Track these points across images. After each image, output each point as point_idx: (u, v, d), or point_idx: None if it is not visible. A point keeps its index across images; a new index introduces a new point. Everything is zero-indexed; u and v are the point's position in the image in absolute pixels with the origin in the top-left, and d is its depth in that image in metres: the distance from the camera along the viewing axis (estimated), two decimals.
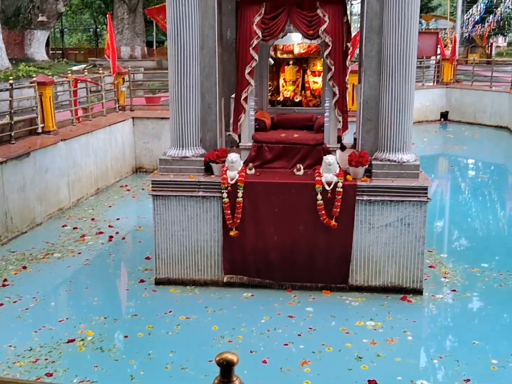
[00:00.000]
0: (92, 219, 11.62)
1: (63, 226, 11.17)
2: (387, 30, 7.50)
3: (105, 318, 7.39)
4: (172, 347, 6.64)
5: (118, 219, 11.51)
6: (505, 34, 60.07)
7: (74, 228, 11.06)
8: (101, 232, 10.76)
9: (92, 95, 15.01)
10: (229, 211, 7.73)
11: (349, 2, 8.57)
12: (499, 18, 40.13)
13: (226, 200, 7.71)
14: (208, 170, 8.07)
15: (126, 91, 16.08)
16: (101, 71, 15.46)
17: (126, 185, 14.39)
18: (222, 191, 7.72)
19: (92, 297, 8.08)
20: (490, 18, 39.51)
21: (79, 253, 9.77)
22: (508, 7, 40.92)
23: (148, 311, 7.62)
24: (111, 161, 14.30)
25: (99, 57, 34.18)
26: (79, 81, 14.25)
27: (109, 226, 11.12)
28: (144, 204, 12.01)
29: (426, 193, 7.65)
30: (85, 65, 28.33)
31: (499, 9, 39.23)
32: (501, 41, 63.80)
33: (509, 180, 16.97)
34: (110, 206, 12.65)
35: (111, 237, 10.50)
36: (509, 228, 11.96)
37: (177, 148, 8.08)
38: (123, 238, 10.60)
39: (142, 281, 8.49)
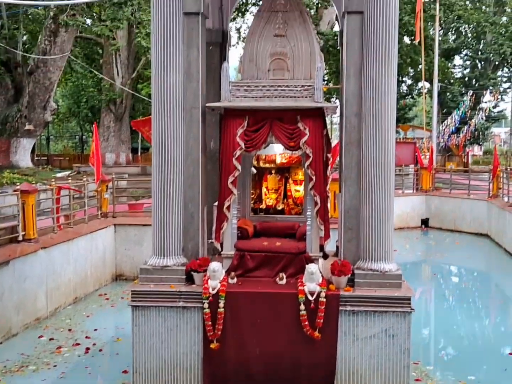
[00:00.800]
0: (69, 330, 11.27)
1: (39, 337, 10.82)
2: (366, 143, 7.73)
3: None
4: None
5: (95, 329, 11.18)
6: (480, 143, 62.37)
7: (51, 339, 10.70)
8: (77, 344, 10.41)
9: (74, 202, 15.05)
10: (210, 322, 7.53)
11: (328, 115, 8.86)
12: (474, 128, 41.88)
13: (207, 310, 7.54)
14: (190, 280, 7.95)
15: (109, 197, 16.17)
16: (84, 179, 15.60)
17: (105, 294, 14.10)
18: (203, 301, 7.56)
19: None
20: (465, 129, 41.20)
21: (55, 365, 9.40)
22: (482, 118, 42.82)
23: None
24: (91, 269, 14.10)
25: (84, 163, 34.65)
26: (62, 188, 14.32)
27: (86, 337, 10.78)
28: (123, 314, 11.68)
29: (409, 303, 7.56)
30: (69, 172, 28.68)
31: (473, 120, 41.00)
32: (477, 150, 66.11)
33: (492, 288, 16.94)
34: (88, 316, 12.33)
35: (87, 348, 10.15)
36: (495, 337, 11.79)
37: (158, 257, 8.00)
38: (100, 350, 10.24)
39: None
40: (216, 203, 8.51)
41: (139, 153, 45.96)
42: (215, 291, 7.56)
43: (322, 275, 7.71)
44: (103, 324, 11.63)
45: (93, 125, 16.27)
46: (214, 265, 7.71)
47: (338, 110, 9.06)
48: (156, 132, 7.97)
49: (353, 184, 7.93)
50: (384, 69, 7.52)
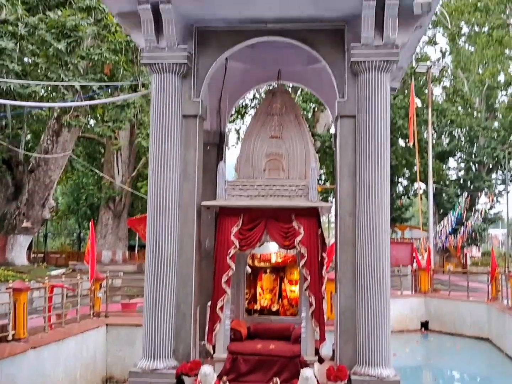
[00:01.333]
0: None
1: None
2: (360, 242, 7.72)
3: None
4: None
5: None
6: (478, 244, 62.34)
7: None
8: None
9: (67, 301, 14.79)
10: None
11: (323, 215, 8.91)
12: (471, 229, 42.04)
13: None
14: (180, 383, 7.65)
15: (102, 296, 15.91)
16: (78, 277, 15.41)
17: None
18: None
19: None
20: (462, 230, 41.33)
21: None
22: (478, 219, 43.07)
23: None
24: (80, 370, 13.61)
25: (80, 261, 34.39)
26: (55, 287, 14.12)
27: None
28: None
29: None
30: (64, 270, 28.39)
31: (469, 221, 41.23)
32: (475, 251, 65.87)
33: None
34: None
35: None
36: None
37: (148, 359, 7.75)
38: None
39: None
40: (209, 303, 8.35)
41: (136, 251, 45.74)
42: None
43: (317, 381, 7.43)
44: None
45: (91, 223, 16.29)
46: (206, 369, 7.44)
47: (333, 210, 9.13)
48: (150, 230, 7.96)
49: (349, 285, 7.83)
50: (376, 170, 7.64)
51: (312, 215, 8.03)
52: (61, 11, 17.20)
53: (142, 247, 49.10)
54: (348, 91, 7.96)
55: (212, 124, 10.10)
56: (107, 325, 15.16)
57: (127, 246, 40.26)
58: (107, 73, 19.02)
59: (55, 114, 22.75)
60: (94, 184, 44.13)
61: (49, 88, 19.27)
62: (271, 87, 11.83)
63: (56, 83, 17.33)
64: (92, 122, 33.80)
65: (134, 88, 22.41)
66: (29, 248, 31.91)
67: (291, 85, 22.53)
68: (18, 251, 28.07)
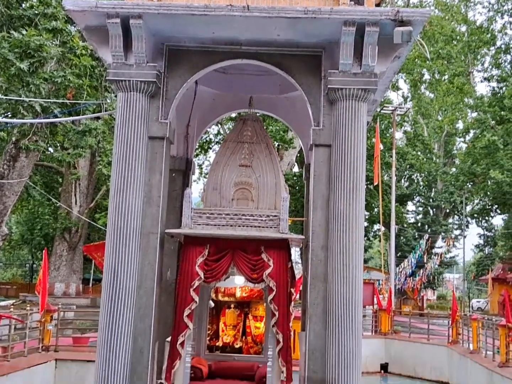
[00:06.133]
0: None
1: None
2: (332, 277, 7.34)
3: None
4: None
5: None
6: (434, 288, 62.90)
7: None
8: None
9: (15, 333, 13.92)
10: None
11: (293, 247, 8.52)
12: (429, 272, 42.32)
13: None
14: None
15: (52, 329, 15.05)
16: (28, 308, 14.56)
17: None
18: None
19: None
20: (421, 272, 41.56)
21: None
22: (436, 263, 43.44)
23: None
24: None
25: (31, 292, 33.06)
26: (3, 317, 13.26)
27: None
28: None
29: None
30: (13, 301, 27.14)
31: (428, 264, 41.52)
32: (430, 294, 66.46)
33: None
34: None
35: None
36: None
37: None
38: None
39: None
40: (168, 338, 7.80)
41: (91, 284, 44.44)
42: None
43: None
44: None
45: (44, 251, 15.50)
46: None
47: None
48: (109, 257, 7.42)
49: (319, 322, 7.41)
50: (352, 201, 7.34)
51: (282, 247, 7.64)
52: (26, 30, 16.68)
53: (97, 280, 47.86)
54: (324, 120, 7.68)
55: (178, 150, 9.74)
56: (56, 360, 14.30)
57: (81, 279, 39.00)
58: (69, 97, 18.47)
59: (13, 138, 21.98)
60: (50, 214, 42.87)
61: (9, 108, 18.55)
62: (241, 115, 11.53)
63: (16, 97, 16.65)
64: (51, 149, 32.98)
65: (97, 118, 21.91)
66: None
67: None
68: None
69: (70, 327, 19.11)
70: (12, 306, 16.69)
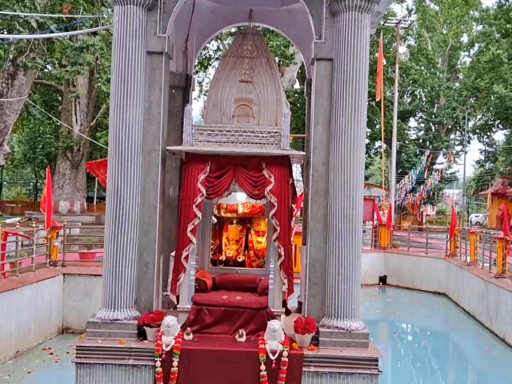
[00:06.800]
0: None
1: None
2: (333, 193, 7.42)
3: None
4: None
5: None
6: (434, 203, 63.56)
7: None
8: None
9: (22, 249, 14.24)
10: (162, 383, 6.89)
11: (294, 164, 8.55)
12: (429, 188, 42.60)
13: (159, 369, 6.92)
14: (142, 335, 7.33)
15: (59, 245, 15.39)
16: (34, 225, 14.80)
17: (49, 348, 13.16)
18: (156, 359, 6.94)
19: None
20: (421, 188, 41.84)
21: None
22: (436, 179, 43.64)
23: None
24: (35, 321, 13.17)
25: (37, 210, 33.46)
26: (9, 234, 13.50)
27: None
28: (67, 370, 10.77)
29: (376, 365, 7.15)
30: (19, 218, 27.54)
31: (428, 180, 41.72)
32: (430, 210, 67.28)
33: (451, 348, 16.64)
34: (29, 372, 11.41)
35: None
36: None
37: (108, 309, 7.38)
38: None
39: None
40: (173, 253, 7.99)
41: (95, 202, 44.87)
42: (168, 348, 6.97)
43: (284, 333, 7.21)
44: (45, 381, 10.75)
45: (47, 169, 15.56)
46: (169, 320, 7.14)
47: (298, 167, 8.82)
48: (111, 175, 7.47)
49: (319, 237, 7.56)
50: (354, 116, 7.29)
51: (283, 164, 7.65)
52: None
53: (101, 199, 48.31)
54: (326, 32, 7.49)
55: (178, 66, 9.57)
56: (64, 274, 14.70)
57: (85, 197, 39.34)
58: (65, 12, 17.95)
59: (11, 56, 21.57)
60: (51, 133, 42.72)
61: (4, 24, 18.08)
62: (240, 29, 11.24)
63: (11, 13, 16.18)
64: (49, 67, 32.41)
65: (94, 33, 21.37)
66: None
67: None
68: None
69: (76, 243, 19.50)
70: (18, 224, 16.94)
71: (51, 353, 12.81)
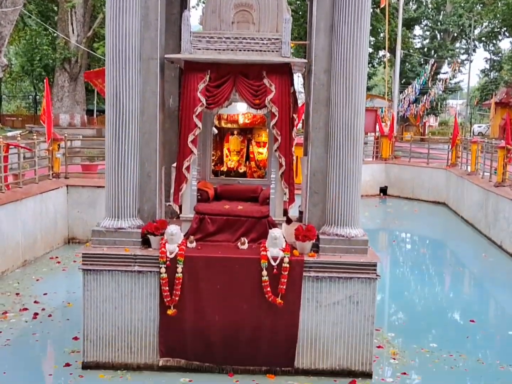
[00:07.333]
0: (17, 294, 10.70)
1: None
2: (335, 102, 7.35)
3: None
4: None
5: (45, 294, 10.64)
6: (437, 114, 63.07)
7: None
8: (25, 309, 9.86)
9: (25, 162, 14.30)
10: (167, 288, 7.13)
11: (295, 73, 8.41)
12: (433, 98, 42.10)
13: (164, 275, 7.13)
14: (146, 243, 7.51)
15: (61, 158, 15.44)
16: (35, 137, 14.77)
17: (56, 257, 13.51)
18: (160, 265, 7.14)
19: None
20: (424, 98, 41.36)
21: (0, 332, 8.85)
22: (440, 89, 43.06)
23: None
24: (41, 232, 13.44)
25: (37, 123, 33.28)
26: (11, 146, 13.51)
27: (35, 301, 10.24)
28: (75, 278, 11.09)
29: (375, 269, 7.33)
30: (20, 131, 27.44)
31: (433, 90, 41.16)
32: (432, 121, 66.91)
33: (449, 255, 17.03)
34: (37, 280, 11.75)
35: (36, 314, 9.62)
36: (455, 304, 11.76)
37: (112, 218, 7.51)
38: (50, 316, 9.71)
39: (67, 364, 7.66)
40: (174, 164, 8.02)
41: (95, 115, 44.55)
42: (172, 256, 7.16)
43: (285, 240, 7.37)
44: (53, 288, 11.08)
45: (45, 81, 15.34)
46: (172, 228, 7.28)
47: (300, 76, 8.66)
48: (110, 84, 7.38)
49: (321, 146, 7.56)
50: (357, 23, 7.09)
51: (284, 72, 7.51)
52: None
53: (101, 112, 47.90)
54: None
55: None
56: (67, 186, 14.84)
57: (85, 110, 38.99)
58: None
59: None
60: (49, 44, 41.72)
61: None
62: None
63: None
64: None
65: None
66: None
67: None
68: None
69: (78, 156, 19.53)
70: (19, 136, 16.90)
71: (59, 262, 13.16)
